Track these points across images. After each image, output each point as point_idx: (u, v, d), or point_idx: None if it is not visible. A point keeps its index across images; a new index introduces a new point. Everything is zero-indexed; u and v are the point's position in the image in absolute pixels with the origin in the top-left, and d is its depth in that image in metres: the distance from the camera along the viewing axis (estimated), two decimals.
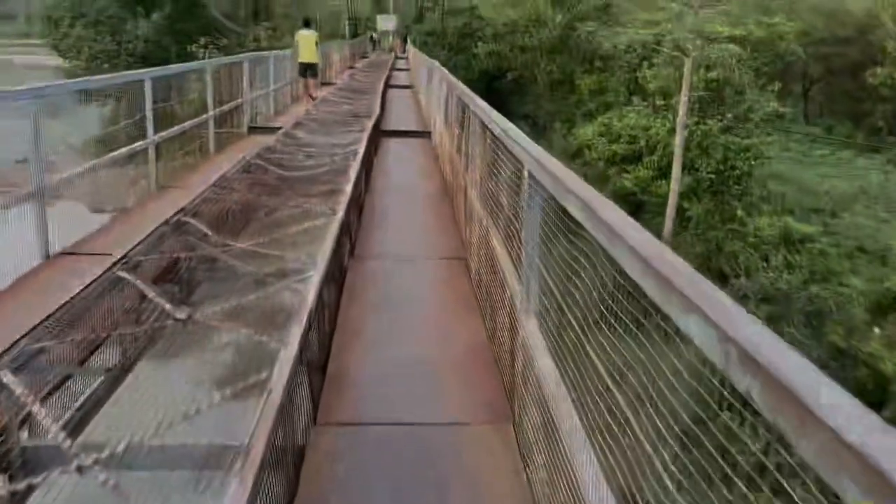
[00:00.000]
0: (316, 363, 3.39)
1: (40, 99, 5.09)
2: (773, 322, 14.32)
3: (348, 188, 5.55)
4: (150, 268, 3.88)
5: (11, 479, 2.57)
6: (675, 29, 19.96)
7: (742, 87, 21.42)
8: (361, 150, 7.22)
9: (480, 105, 5.09)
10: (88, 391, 3.19)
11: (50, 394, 2.96)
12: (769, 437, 1.05)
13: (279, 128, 9.46)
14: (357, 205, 6.61)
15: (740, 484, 1.34)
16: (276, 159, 6.71)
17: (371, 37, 49.19)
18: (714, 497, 1.48)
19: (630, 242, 1.59)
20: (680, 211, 19.21)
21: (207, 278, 4.30)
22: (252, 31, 38.23)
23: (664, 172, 20.36)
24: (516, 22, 32.42)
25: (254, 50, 20.96)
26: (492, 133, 4.42)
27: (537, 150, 2.96)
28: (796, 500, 1.41)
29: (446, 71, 10.72)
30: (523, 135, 3.44)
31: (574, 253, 2.26)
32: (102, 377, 3.30)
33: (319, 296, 3.43)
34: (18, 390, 2.56)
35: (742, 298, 15.39)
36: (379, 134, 11.13)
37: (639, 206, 20.40)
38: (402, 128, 13.15)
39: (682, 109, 18.95)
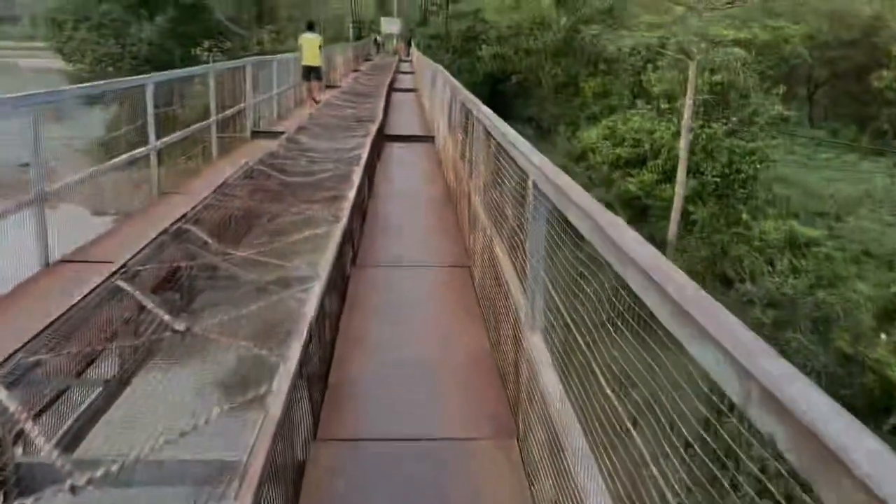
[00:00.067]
0: (316, 376, 3.33)
1: (40, 106, 5.06)
2: (779, 327, 14.23)
3: (351, 194, 5.51)
4: (150, 277, 3.84)
5: (6, 496, 2.52)
6: (680, 32, 19.86)
7: (747, 91, 21.32)
8: (364, 155, 7.18)
9: (484, 111, 5.02)
10: (85, 405, 3.14)
11: (46, 408, 2.91)
12: (788, 477, 0.99)
13: (282, 132, 9.41)
14: (360, 211, 6.56)
15: None
16: (278, 164, 6.66)
17: (375, 40, 49.27)
18: None
19: (641, 264, 1.53)
20: (685, 215, 19.11)
21: (208, 287, 4.25)
22: (256, 34, 38.33)
23: (669, 176, 20.24)
24: (520, 25, 32.43)
25: (257, 53, 20.97)
26: (496, 141, 4.37)
27: (543, 160, 2.90)
28: None
29: (450, 75, 10.66)
30: (529, 144, 3.38)
31: (581, 269, 2.20)
32: (100, 389, 3.25)
33: (321, 306, 3.38)
34: (13, 405, 2.51)
35: (747, 303, 15.31)
36: (382, 138, 11.09)
37: (643, 210, 20.31)
38: (406, 132, 13.10)
39: (686, 113, 18.85)
